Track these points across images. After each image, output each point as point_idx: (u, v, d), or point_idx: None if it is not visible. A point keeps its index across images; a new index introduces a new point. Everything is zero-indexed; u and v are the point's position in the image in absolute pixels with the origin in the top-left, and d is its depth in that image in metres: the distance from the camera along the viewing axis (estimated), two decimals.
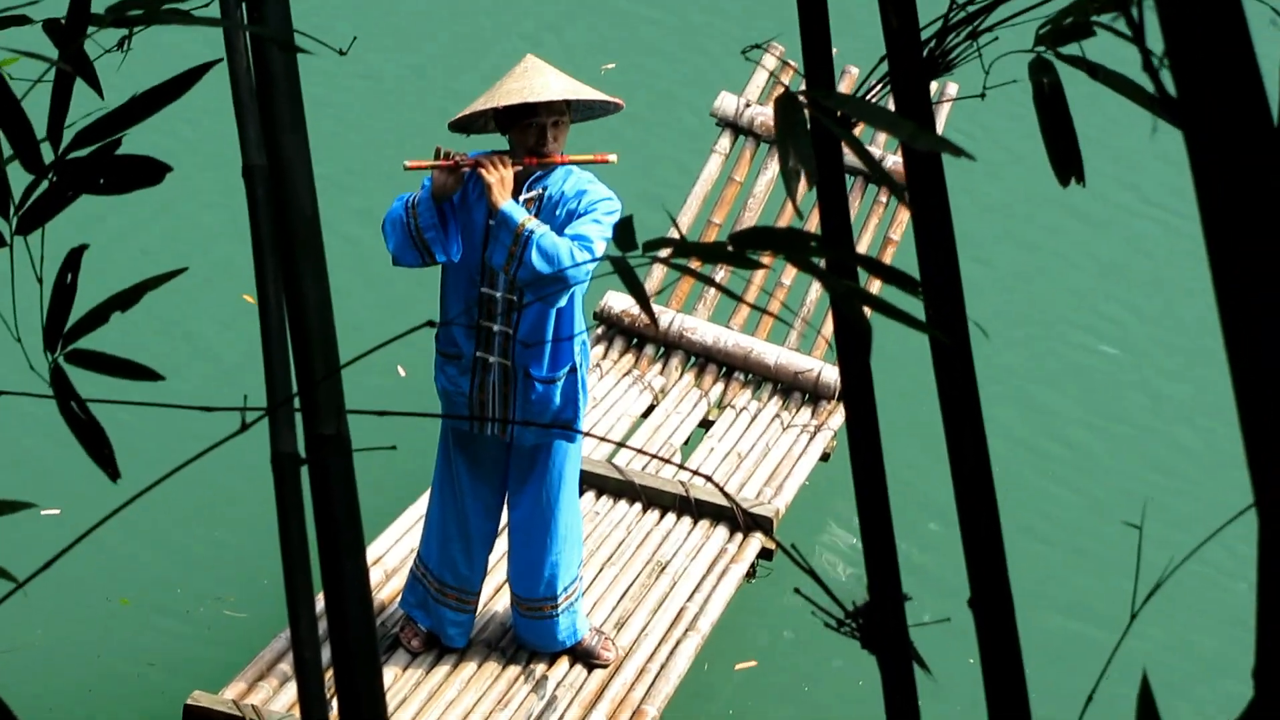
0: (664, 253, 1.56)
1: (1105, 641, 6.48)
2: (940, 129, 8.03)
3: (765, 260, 1.53)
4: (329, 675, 1.80)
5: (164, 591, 6.39)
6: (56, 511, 6.31)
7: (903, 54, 1.70)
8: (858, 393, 1.88)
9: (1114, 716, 5.31)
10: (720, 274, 7.67)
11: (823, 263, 1.71)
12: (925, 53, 1.75)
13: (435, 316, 5.86)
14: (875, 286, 7.75)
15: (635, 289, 1.56)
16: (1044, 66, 1.83)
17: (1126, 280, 8.83)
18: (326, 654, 1.69)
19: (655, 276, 7.62)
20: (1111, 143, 9.47)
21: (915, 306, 1.71)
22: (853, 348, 1.84)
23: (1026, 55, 1.92)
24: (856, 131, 8.15)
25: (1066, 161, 1.87)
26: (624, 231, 1.60)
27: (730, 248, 1.52)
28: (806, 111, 1.64)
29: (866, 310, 1.57)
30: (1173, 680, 6.48)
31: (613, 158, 5.33)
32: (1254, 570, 1.37)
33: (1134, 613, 1.72)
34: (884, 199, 7.87)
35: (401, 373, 7.33)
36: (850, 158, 7.76)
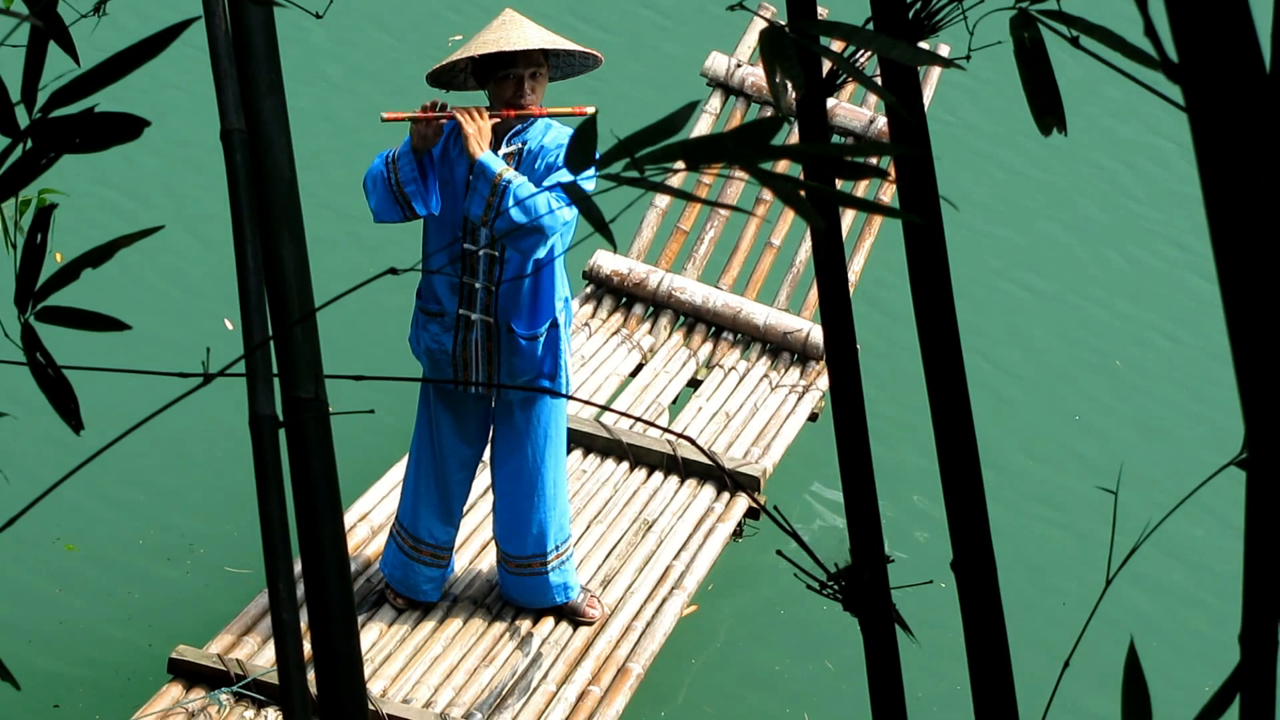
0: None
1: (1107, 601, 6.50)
2: (930, 92, 8.00)
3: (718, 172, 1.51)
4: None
5: (129, 541, 6.39)
6: None
7: (888, 14, 1.69)
8: (839, 344, 1.87)
9: (1103, 675, 5.34)
10: (711, 233, 7.65)
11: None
12: (911, 14, 1.74)
13: (416, 277, 5.85)
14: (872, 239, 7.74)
15: (588, 211, 1.49)
16: (1025, 21, 1.82)
17: (1111, 239, 8.83)
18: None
19: (645, 236, 7.60)
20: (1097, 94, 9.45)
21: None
22: (833, 294, 1.83)
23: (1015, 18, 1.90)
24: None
25: (1047, 110, 1.86)
26: (581, 143, 1.51)
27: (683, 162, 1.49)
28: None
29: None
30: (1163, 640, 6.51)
31: (590, 109, 5.32)
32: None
33: (1109, 578, 1.73)
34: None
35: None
36: (833, 120, 7.73)
